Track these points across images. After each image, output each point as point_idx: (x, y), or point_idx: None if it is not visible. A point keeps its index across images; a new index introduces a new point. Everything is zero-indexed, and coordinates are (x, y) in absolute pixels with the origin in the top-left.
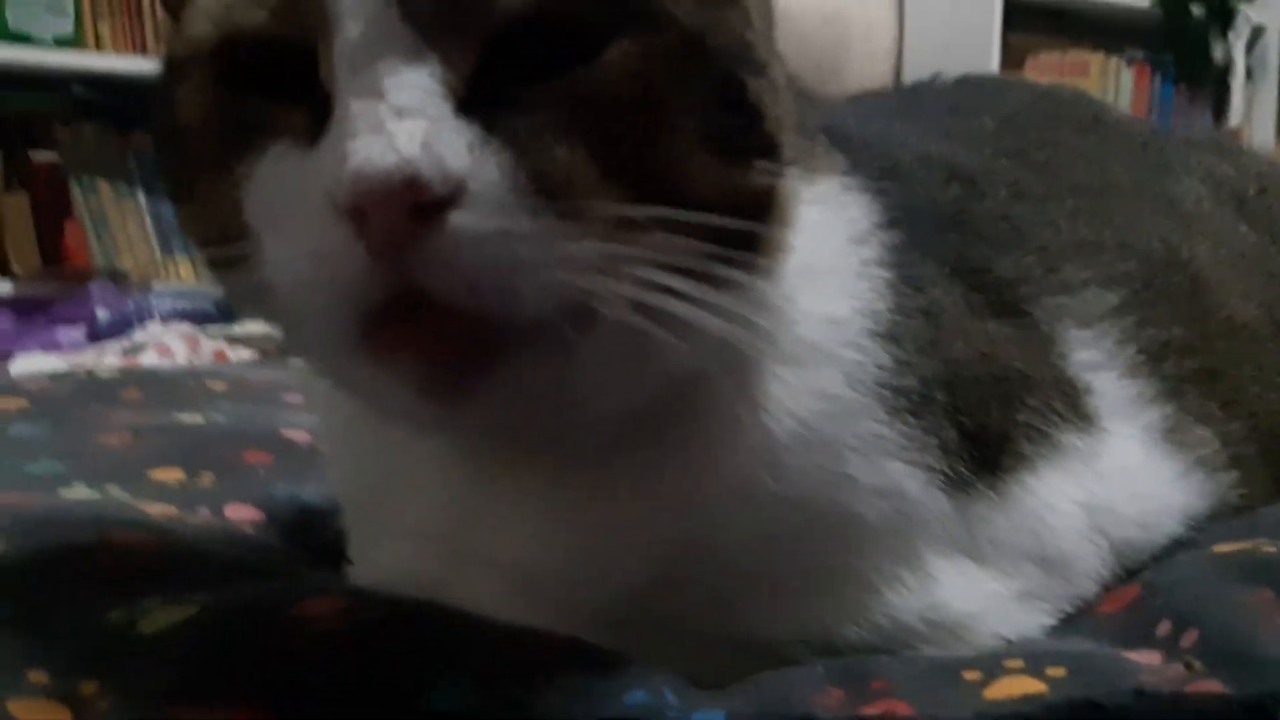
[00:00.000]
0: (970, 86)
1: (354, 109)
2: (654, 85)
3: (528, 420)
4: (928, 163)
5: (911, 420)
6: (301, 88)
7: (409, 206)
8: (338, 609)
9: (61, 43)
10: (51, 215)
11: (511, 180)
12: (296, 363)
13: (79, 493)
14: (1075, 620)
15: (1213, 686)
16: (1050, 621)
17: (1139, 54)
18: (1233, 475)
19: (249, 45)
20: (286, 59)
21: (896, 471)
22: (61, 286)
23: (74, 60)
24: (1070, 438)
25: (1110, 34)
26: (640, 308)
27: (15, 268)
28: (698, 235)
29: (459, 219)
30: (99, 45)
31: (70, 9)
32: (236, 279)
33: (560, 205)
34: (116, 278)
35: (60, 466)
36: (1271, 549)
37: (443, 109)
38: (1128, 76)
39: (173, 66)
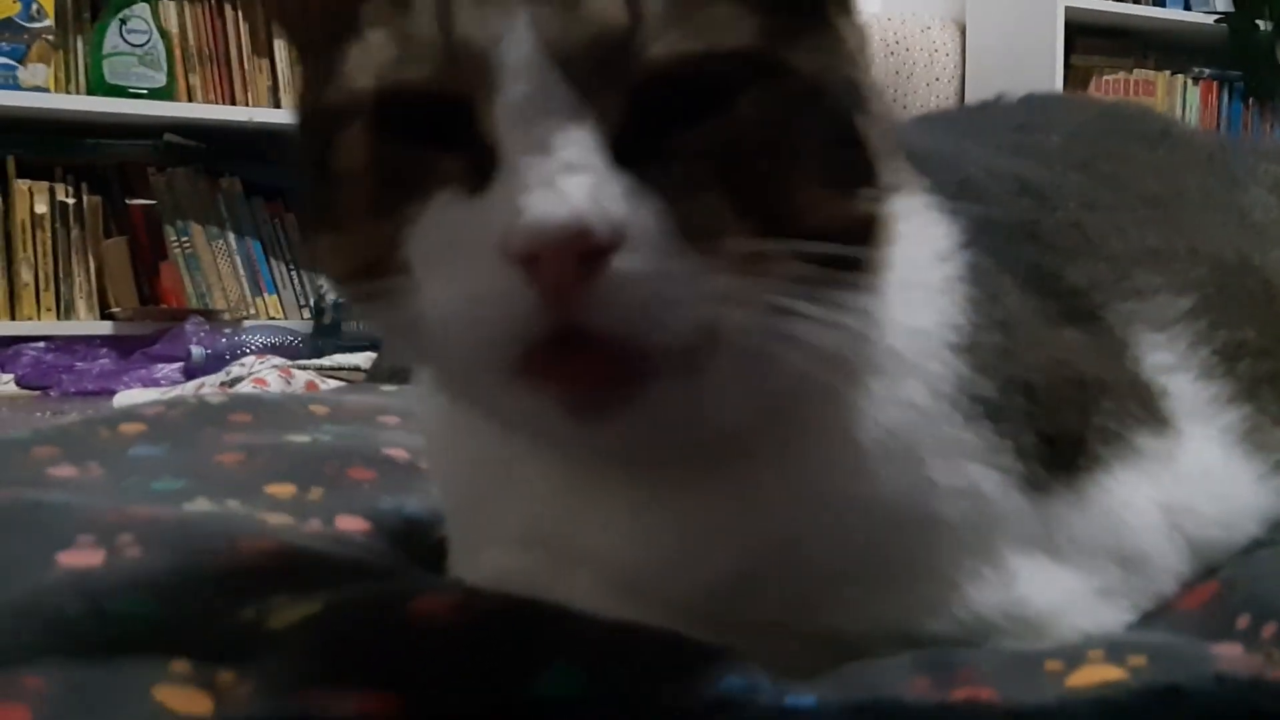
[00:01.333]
0: (1035, 103)
1: (524, 164)
2: (780, 129)
3: (658, 436)
4: (998, 177)
5: (989, 425)
6: (460, 137)
7: (578, 254)
8: (451, 603)
9: (155, 94)
10: (148, 257)
11: (662, 224)
12: (390, 388)
13: (201, 506)
14: (1155, 617)
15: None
16: (1130, 618)
17: (1205, 71)
18: None
19: (410, 98)
20: (446, 111)
21: (974, 473)
22: (158, 325)
23: (167, 110)
24: (1146, 439)
25: (1174, 52)
26: (764, 332)
27: (115, 309)
28: (815, 261)
29: (619, 263)
30: (190, 96)
31: (163, 63)
32: (384, 309)
33: (701, 244)
34: (210, 316)
35: (182, 483)
36: None
37: (602, 161)
38: (1194, 94)
39: (327, 114)
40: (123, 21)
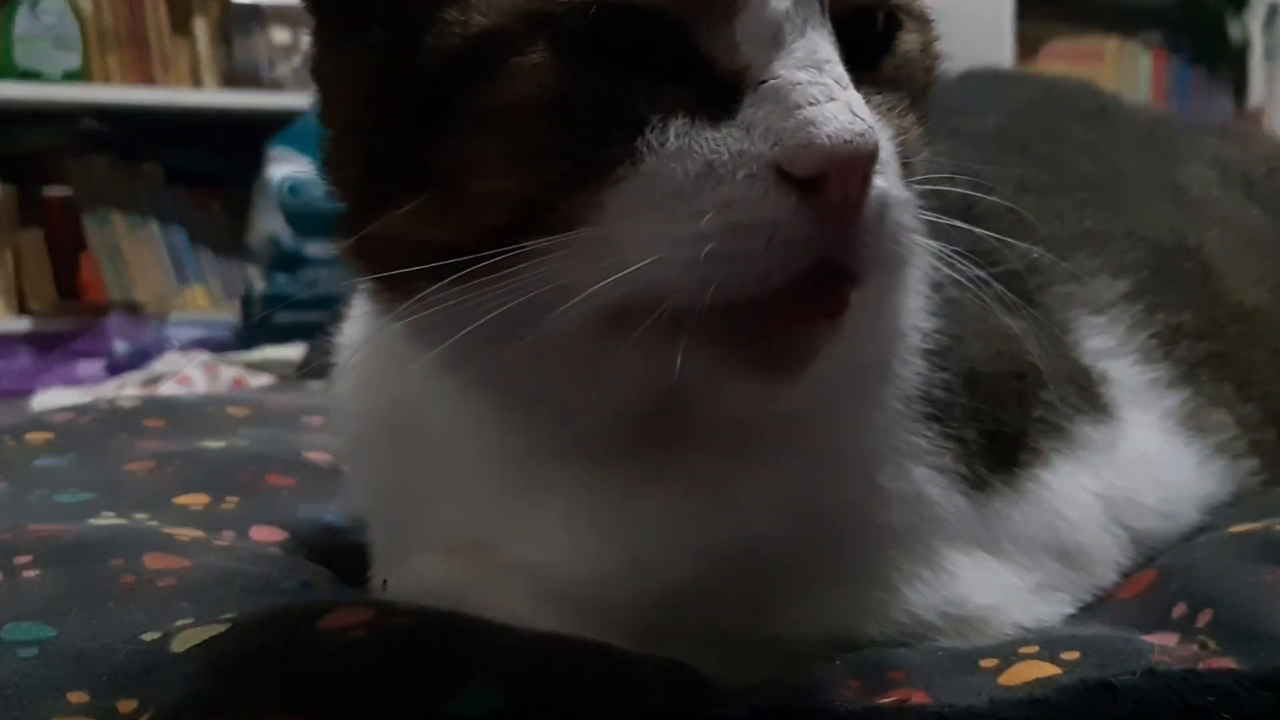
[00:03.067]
0: (973, 84)
1: (800, 79)
2: (927, 68)
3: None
4: (933, 163)
5: (936, 425)
6: (681, 62)
7: (864, 173)
8: (364, 619)
9: (70, 77)
10: (66, 250)
11: (892, 148)
12: (318, 385)
13: (107, 520)
14: (1095, 608)
15: (1226, 663)
16: (1069, 611)
17: (1155, 37)
18: (1253, 461)
19: (618, 19)
20: (659, 35)
21: (921, 477)
22: (78, 321)
23: (83, 94)
24: (1086, 429)
25: (1125, 19)
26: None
27: (32, 304)
28: None
29: (880, 185)
30: (107, 78)
31: (78, 44)
32: (513, 279)
33: (908, 174)
34: (133, 310)
35: (88, 496)
36: None
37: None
38: (1145, 61)
39: (463, 42)
40: (34, 2)
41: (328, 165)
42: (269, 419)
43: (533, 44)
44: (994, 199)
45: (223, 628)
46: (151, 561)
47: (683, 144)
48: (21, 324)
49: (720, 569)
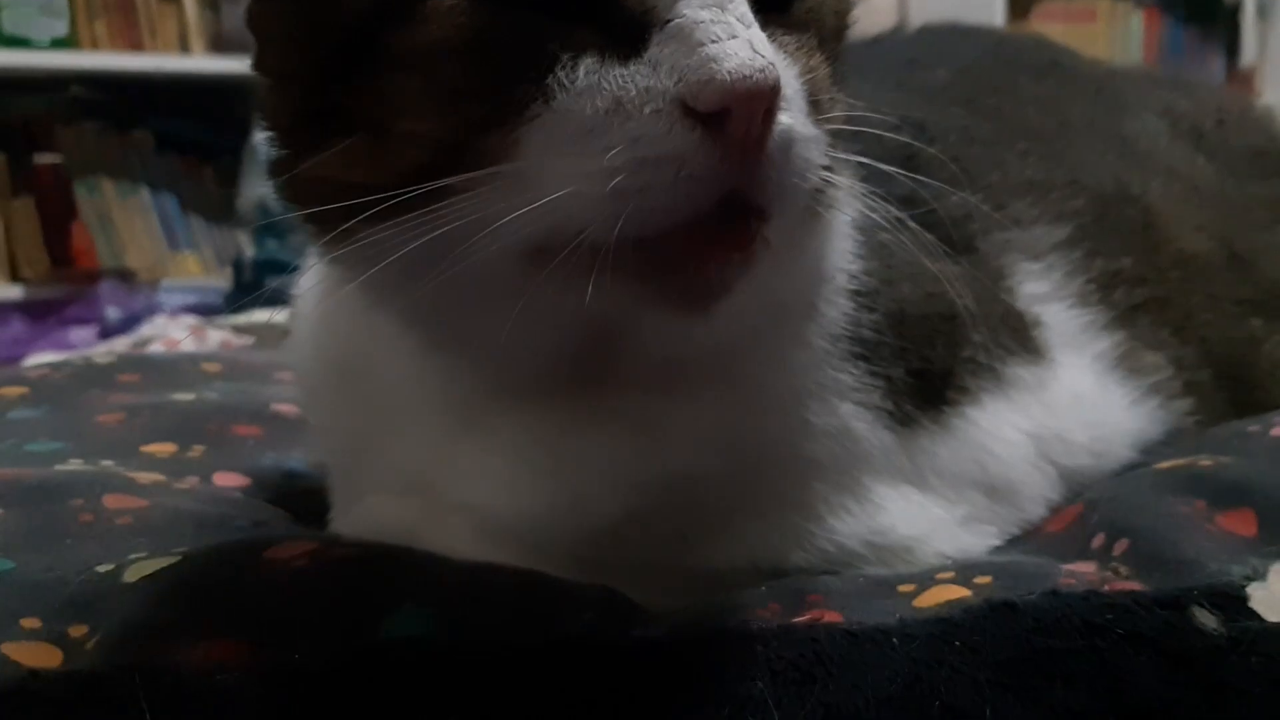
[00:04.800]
0: (928, 37)
1: (703, 17)
2: (838, 12)
3: (680, 347)
4: (879, 112)
5: (864, 364)
6: (588, 4)
7: (766, 108)
8: (307, 551)
9: (58, 44)
10: (57, 217)
11: (798, 86)
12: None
13: (74, 467)
14: (1023, 540)
15: (1129, 585)
16: (997, 542)
17: None
18: (1187, 402)
19: None
20: None
21: (847, 413)
22: (71, 288)
23: (71, 61)
24: (1017, 370)
25: None
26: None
27: (24, 271)
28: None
29: (785, 120)
30: (95, 45)
31: (65, 10)
32: (437, 216)
33: (817, 112)
34: (125, 276)
35: (58, 445)
36: (1208, 462)
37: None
38: (1137, 21)
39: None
40: None
41: (264, 111)
42: (241, 374)
43: None
44: (935, 149)
45: (173, 560)
46: (111, 501)
47: (592, 81)
48: (14, 291)
49: (651, 503)
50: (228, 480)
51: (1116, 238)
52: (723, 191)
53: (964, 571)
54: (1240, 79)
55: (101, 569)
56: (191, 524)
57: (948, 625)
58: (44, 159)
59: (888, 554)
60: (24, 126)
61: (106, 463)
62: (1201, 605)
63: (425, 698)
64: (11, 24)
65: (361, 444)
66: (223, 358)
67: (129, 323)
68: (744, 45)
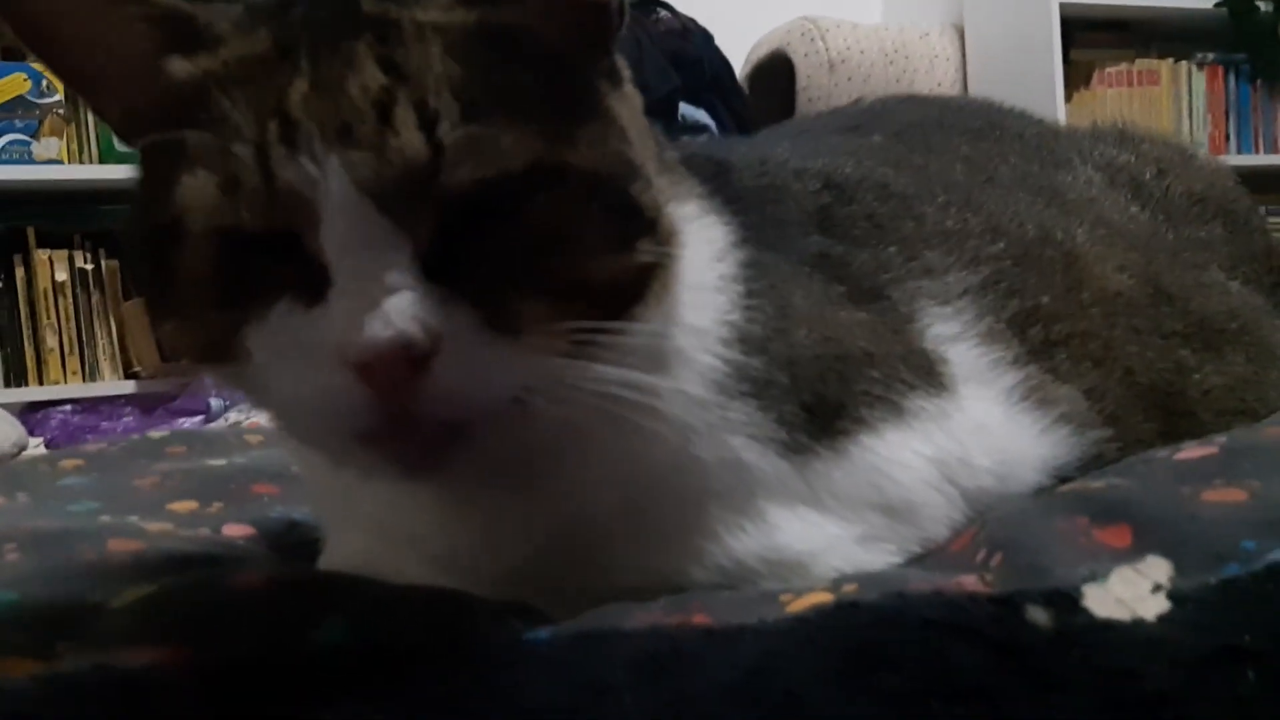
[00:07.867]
0: (881, 107)
1: (352, 289)
2: (566, 221)
3: (477, 470)
4: (802, 176)
5: (754, 402)
6: (294, 255)
7: (404, 362)
8: (264, 578)
9: None
10: None
11: (472, 321)
12: None
13: (99, 521)
14: (926, 559)
15: (977, 588)
16: (897, 560)
17: (1209, 56)
18: (1106, 431)
19: (243, 234)
20: (278, 238)
21: (737, 445)
22: (179, 381)
23: None
24: (919, 402)
25: (1176, 39)
26: (567, 389)
27: (138, 368)
28: (605, 314)
29: (441, 363)
30: None
31: None
32: (233, 382)
33: (507, 332)
34: None
35: (95, 505)
36: (1099, 484)
37: (417, 279)
38: (1200, 80)
39: (165, 223)
40: None
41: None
42: (278, 442)
43: (193, 238)
44: (854, 206)
45: (154, 588)
46: (114, 545)
47: (286, 320)
48: (127, 386)
49: (557, 540)
50: (236, 530)
51: (1035, 278)
52: (389, 414)
53: (839, 583)
54: None
55: (91, 599)
56: (180, 561)
57: (799, 623)
58: None
59: (784, 569)
60: None
61: (132, 518)
62: (1036, 603)
63: (339, 692)
64: (121, 142)
65: (336, 492)
66: (264, 429)
67: (231, 409)
68: (379, 317)
